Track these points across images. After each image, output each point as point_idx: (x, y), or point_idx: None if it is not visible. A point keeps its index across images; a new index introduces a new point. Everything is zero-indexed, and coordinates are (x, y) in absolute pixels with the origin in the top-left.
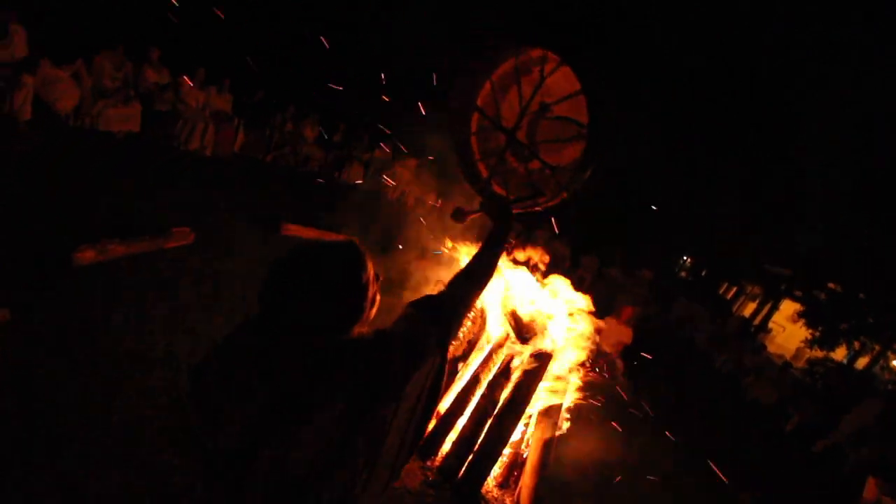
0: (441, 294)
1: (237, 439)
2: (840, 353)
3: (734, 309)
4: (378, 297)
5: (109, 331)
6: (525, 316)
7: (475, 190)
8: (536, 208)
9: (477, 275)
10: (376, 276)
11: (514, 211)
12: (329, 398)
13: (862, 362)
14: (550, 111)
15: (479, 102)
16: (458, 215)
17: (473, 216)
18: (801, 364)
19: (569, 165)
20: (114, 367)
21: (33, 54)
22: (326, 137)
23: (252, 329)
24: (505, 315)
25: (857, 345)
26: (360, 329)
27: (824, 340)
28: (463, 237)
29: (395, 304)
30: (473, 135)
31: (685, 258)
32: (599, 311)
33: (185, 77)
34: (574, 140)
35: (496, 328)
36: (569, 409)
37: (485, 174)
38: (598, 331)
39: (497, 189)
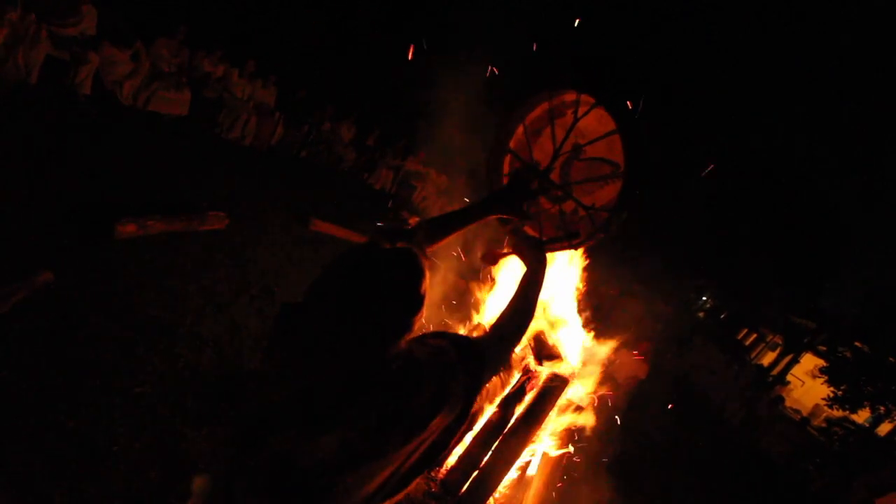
0: (480, 343)
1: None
2: (862, 416)
3: (752, 356)
4: (424, 312)
5: (142, 301)
6: (548, 339)
7: (506, 232)
8: (570, 249)
9: (515, 327)
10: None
11: (547, 252)
12: (358, 416)
13: (885, 428)
14: (583, 152)
15: (511, 145)
16: (489, 258)
17: (504, 258)
18: (818, 422)
19: (604, 206)
20: (142, 335)
21: (99, 34)
22: (359, 139)
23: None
24: (527, 336)
25: (881, 409)
26: (403, 344)
27: (846, 400)
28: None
29: None
30: (505, 176)
31: (705, 298)
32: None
33: (234, 70)
34: (609, 180)
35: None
36: (575, 441)
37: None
38: (611, 361)
39: (529, 231)
